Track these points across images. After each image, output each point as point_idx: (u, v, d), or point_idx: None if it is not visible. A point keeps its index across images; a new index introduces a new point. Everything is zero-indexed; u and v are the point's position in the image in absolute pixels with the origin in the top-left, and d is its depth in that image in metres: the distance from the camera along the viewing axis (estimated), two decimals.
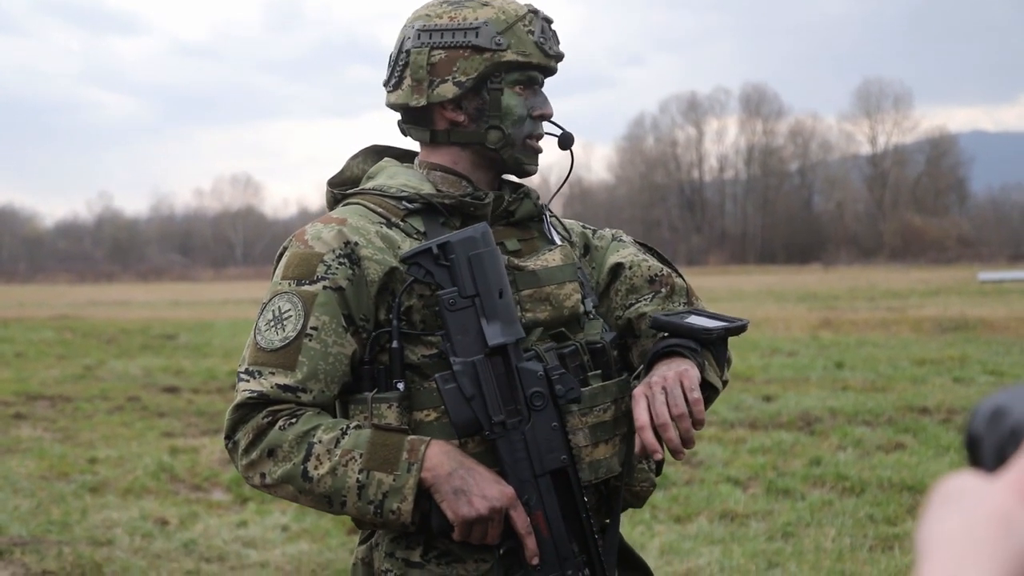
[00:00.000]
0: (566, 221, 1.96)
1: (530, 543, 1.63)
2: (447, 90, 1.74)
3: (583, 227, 1.97)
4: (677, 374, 1.65)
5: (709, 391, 1.75)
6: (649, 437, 1.61)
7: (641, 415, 1.62)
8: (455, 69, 1.73)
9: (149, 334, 17.64)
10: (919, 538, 0.45)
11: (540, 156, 1.84)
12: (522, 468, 1.63)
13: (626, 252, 1.89)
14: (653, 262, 1.88)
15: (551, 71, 1.80)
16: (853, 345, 13.49)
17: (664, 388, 1.64)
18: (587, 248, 1.93)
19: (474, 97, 1.75)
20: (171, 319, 21.92)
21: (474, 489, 1.59)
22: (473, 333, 1.61)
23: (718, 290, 28.11)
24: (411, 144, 1.89)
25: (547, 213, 1.88)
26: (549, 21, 1.79)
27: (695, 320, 1.75)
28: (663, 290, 1.83)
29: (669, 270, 1.88)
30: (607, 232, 1.97)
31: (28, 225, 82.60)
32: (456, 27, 1.73)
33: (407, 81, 1.77)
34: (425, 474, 1.59)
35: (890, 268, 48.93)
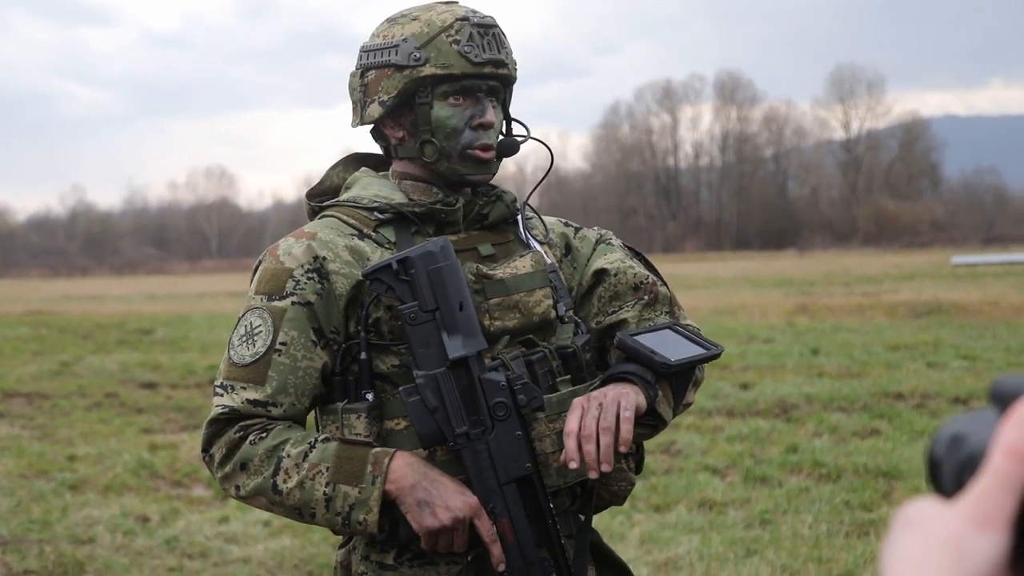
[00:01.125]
0: (548, 219, 1.93)
1: (495, 550, 1.65)
2: (374, 110, 1.77)
3: (565, 225, 1.94)
4: (617, 394, 1.66)
5: (657, 420, 1.75)
6: (571, 444, 1.62)
7: (571, 423, 1.63)
8: (380, 88, 1.75)
9: (125, 329, 17.49)
10: (881, 561, 0.48)
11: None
12: (487, 477, 1.65)
13: (612, 257, 1.86)
14: (639, 268, 1.86)
15: (489, 77, 1.74)
16: (828, 331, 13.57)
17: (601, 404, 1.64)
18: (568, 248, 1.90)
19: (409, 113, 1.76)
20: (147, 313, 21.76)
21: (437, 500, 1.61)
22: (435, 346, 1.63)
23: (694, 277, 28.21)
24: None
25: (522, 214, 1.86)
26: (486, 27, 1.74)
27: (661, 346, 1.73)
28: (646, 297, 1.82)
29: (654, 278, 1.86)
30: (591, 233, 1.93)
31: (0, 220, 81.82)
32: (383, 46, 1.75)
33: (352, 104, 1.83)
34: (389, 486, 1.62)
35: (864, 253, 49.25)
